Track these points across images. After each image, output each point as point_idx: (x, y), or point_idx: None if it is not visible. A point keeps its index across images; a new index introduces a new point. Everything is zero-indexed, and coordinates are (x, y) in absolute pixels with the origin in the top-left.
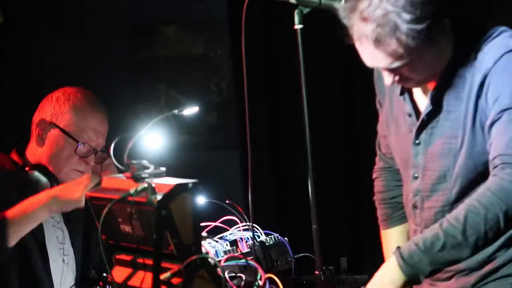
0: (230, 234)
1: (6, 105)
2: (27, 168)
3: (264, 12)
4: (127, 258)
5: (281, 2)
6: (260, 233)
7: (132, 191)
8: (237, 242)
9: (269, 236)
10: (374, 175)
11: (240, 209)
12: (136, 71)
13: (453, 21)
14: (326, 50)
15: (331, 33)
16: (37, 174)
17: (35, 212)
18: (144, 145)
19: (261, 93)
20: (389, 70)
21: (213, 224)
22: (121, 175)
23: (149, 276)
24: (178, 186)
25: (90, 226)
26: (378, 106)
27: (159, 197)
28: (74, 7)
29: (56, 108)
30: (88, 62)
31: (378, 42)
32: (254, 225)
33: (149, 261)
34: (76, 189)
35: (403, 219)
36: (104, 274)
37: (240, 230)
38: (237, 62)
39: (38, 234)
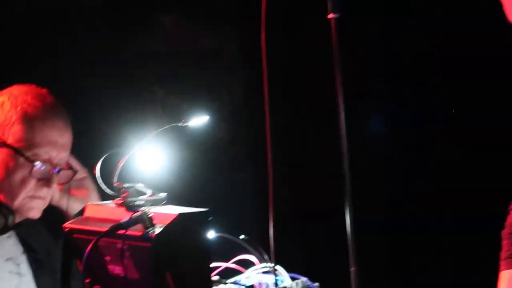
0: (246, 277)
1: None
2: None
3: None
4: None
5: None
6: (284, 276)
7: (123, 222)
8: None
9: (296, 281)
10: (510, 207)
11: (258, 246)
12: (126, 72)
13: None
14: (367, 47)
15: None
16: None
17: None
18: (138, 164)
19: (285, 100)
20: None
21: (225, 265)
22: (109, 202)
23: None
24: (182, 216)
25: (70, 267)
26: None
27: (158, 230)
28: None
29: (1, 118)
30: (63, 59)
31: None
32: (277, 266)
33: None
34: None
35: None
36: None
37: (258, 273)
38: (254, 60)
39: None
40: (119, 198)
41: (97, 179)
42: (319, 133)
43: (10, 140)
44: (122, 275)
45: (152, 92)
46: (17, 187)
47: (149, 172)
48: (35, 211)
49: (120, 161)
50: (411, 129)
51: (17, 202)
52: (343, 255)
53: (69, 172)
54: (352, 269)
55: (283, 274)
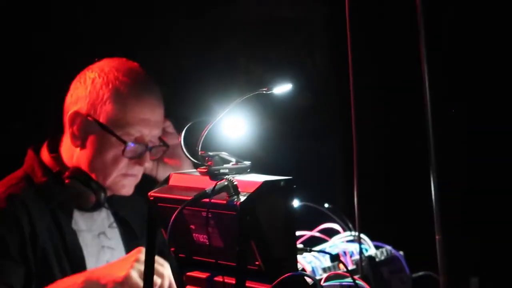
0: (330, 246)
1: (38, 77)
2: (65, 175)
3: None
4: (202, 276)
5: None
6: (369, 245)
7: (208, 190)
8: (339, 257)
9: (380, 250)
10: None
11: (342, 215)
12: (207, 40)
13: None
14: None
15: None
16: (76, 184)
17: None
18: (222, 133)
19: (369, 68)
20: None
21: (309, 233)
22: (193, 170)
23: None
24: (266, 184)
25: (155, 236)
26: None
27: (242, 198)
28: None
29: (92, 96)
30: (144, 28)
31: None
32: (361, 235)
33: (230, 280)
34: (121, 267)
35: None
36: None
37: (343, 242)
38: (337, 28)
39: (77, 265)
40: (203, 167)
41: (182, 148)
42: (404, 98)
43: (102, 118)
44: (207, 243)
45: (236, 60)
46: (109, 166)
47: (233, 141)
48: (127, 188)
49: (204, 130)
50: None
51: (109, 181)
52: (428, 224)
53: (161, 148)
54: (438, 237)
55: (367, 243)
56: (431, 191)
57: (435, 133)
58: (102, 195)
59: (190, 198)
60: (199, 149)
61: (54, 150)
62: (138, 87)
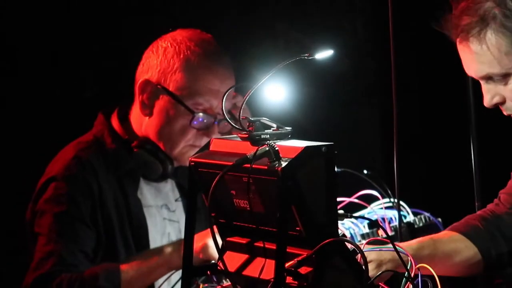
0: (369, 213)
1: (107, 48)
2: (133, 144)
3: None
4: (243, 241)
5: None
6: (407, 212)
7: (249, 156)
8: (378, 223)
9: (419, 216)
10: None
11: (382, 181)
12: (247, 6)
13: None
14: None
15: None
16: (144, 154)
17: (152, 268)
18: (263, 98)
19: (410, 34)
20: (482, 80)
21: (348, 199)
22: (234, 136)
23: (270, 264)
24: (308, 149)
25: (195, 201)
26: None
27: (284, 163)
28: None
29: (163, 65)
30: None
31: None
32: (400, 202)
33: (270, 245)
34: (197, 239)
35: None
36: (213, 261)
37: (382, 208)
38: None
39: (139, 234)
40: (244, 132)
41: (222, 113)
42: (444, 66)
43: (171, 87)
44: (248, 209)
45: (276, 26)
46: (177, 136)
47: (273, 106)
48: None
49: (245, 95)
50: None
51: (176, 151)
52: (467, 190)
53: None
54: (477, 204)
55: (406, 209)
56: (470, 157)
57: (476, 100)
58: (169, 166)
59: (231, 163)
60: (240, 114)
61: (124, 118)
62: (209, 57)
